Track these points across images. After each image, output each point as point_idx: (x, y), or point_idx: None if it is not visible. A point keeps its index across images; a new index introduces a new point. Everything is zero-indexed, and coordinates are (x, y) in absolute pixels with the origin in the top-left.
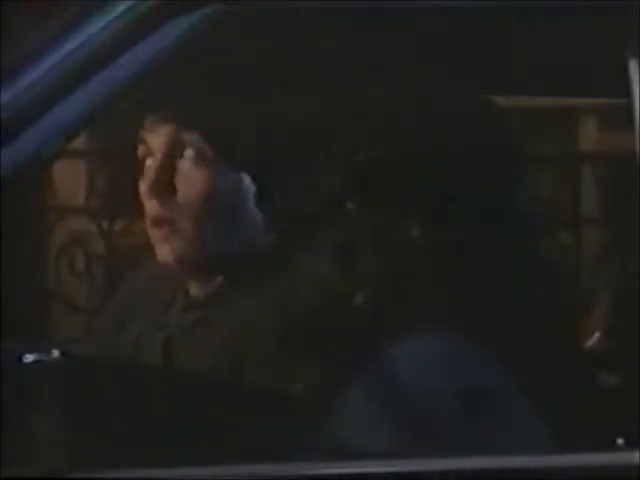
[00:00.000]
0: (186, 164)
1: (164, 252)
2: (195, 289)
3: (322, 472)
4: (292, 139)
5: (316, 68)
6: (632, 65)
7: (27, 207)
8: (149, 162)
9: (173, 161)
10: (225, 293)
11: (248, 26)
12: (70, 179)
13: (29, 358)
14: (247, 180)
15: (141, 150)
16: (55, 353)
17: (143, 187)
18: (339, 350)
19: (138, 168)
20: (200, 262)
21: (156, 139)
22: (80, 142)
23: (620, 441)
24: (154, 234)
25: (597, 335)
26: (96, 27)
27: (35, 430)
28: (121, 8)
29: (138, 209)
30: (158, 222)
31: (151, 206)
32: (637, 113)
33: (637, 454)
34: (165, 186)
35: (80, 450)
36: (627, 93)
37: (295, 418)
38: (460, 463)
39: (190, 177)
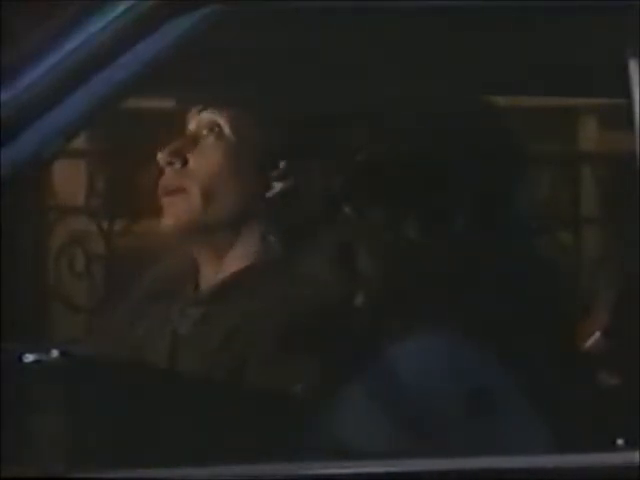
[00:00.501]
0: (208, 140)
1: (169, 219)
2: (205, 282)
3: (322, 472)
4: (292, 139)
5: (316, 68)
6: (632, 65)
7: (27, 207)
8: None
9: (197, 138)
10: (228, 290)
11: (251, 26)
12: (70, 179)
13: (29, 358)
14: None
15: (148, 145)
16: (55, 353)
17: (159, 156)
18: (339, 350)
19: (141, 165)
20: (199, 233)
21: (190, 117)
22: (80, 142)
23: (620, 441)
24: (164, 203)
25: (597, 335)
26: (96, 27)
27: (35, 430)
28: (121, 8)
29: (138, 209)
30: (168, 191)
31: (164, 175)
32: (637, 113)
33: (637, 454)
34: (179, 157)
35: (80, 450)
36: (627, 93)
37: (295, 418)
38: (460, 463)
39: (207, 152)
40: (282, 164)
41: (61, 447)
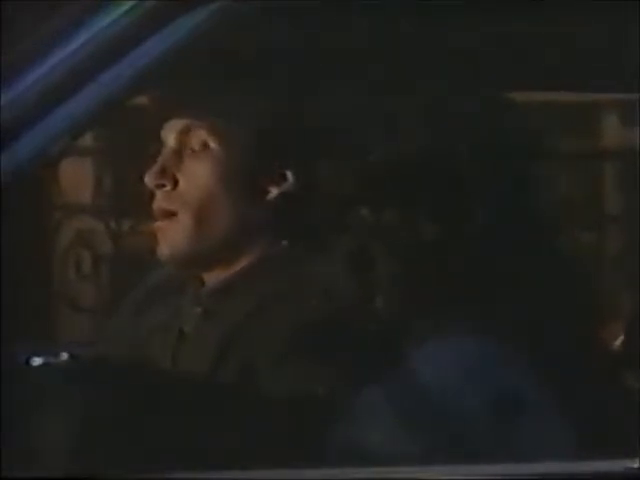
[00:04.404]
0: (196, 160)
1: (164, 248)
2: (210, 280)
3: (339, 478)
4: (302, 140)
5: (327, 68)
6: None
7: (33, 207)
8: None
9: (181, 155)
10: (232, 287)
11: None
12: (77, 178)
13: (36, 361)
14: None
15: (154, 144)
16: (64, 356)
17: (147, 178)
18: (356, 352)
19: (147, 164)
20: (198, 258)
21: (167, 133)
22: (87, 141)
23: None
24: (158, 230)
25: (622, 337)
26: (102, 25)
27: (38, 431)
28: (129, 5)
29: (145, 209)
30: (161, 214)
31: (156, 198)
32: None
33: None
34: (168, 178)
35: (83, 451)
36: None
37: (307, 420)
38: (477, 470)
39: (196, 172)
40: (275, 170)
41: (64, 448)
